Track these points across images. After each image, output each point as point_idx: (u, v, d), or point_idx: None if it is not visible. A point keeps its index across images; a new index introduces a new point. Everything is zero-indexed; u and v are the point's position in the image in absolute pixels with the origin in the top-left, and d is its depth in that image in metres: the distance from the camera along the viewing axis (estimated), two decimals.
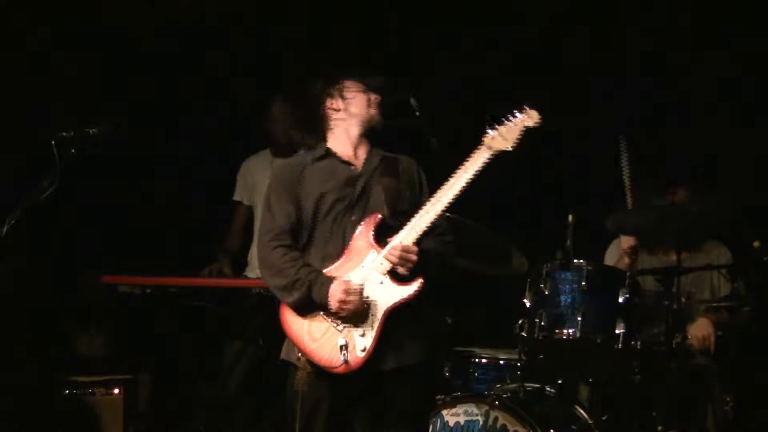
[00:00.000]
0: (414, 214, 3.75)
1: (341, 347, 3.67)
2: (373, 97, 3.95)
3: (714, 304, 5.28)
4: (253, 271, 5.77)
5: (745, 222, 5.09)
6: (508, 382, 5.05)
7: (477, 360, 5.25)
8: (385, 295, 3.71)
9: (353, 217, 3.81)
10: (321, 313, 3.75)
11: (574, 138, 6.04)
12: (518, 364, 5.01)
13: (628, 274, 4.87)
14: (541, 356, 4.95)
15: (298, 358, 3.76)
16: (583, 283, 4.77)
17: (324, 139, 3.97)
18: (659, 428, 4.74)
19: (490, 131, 3.72)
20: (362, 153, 3.94)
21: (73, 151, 3.85)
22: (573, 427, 4.74)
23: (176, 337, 5.85)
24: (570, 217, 4.85)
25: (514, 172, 5.79)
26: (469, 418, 4.64)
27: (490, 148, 3.71)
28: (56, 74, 5.94)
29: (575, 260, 4.80)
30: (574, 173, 6.11)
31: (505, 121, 3.74)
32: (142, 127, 6.00)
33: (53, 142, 3.83)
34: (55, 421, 4.98)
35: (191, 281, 5.64)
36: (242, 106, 6.22)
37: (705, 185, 5.44)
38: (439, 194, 3.72)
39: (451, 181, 3.71)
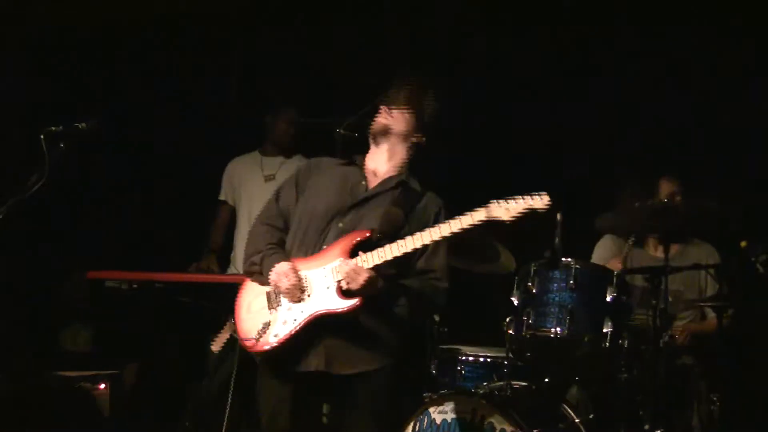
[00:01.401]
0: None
1: (263, 324, 3.80)
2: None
3: (700, 304, 5.32)
4: (237, 269, 5.79)
5: (733, 221, 5.10)
6: (495, 380, 5.05)
7: (464, 358, 5.25)
8: (321, 300, 3.76)
9: (340, 224, 3.85)
10: (266, 291, 3.86)
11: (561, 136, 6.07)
12: (505, 362, 5.00)
13: (616, 273, 4.88)
14: (529, 354, 4.94)
15: (232, 323, 3.99)
16: (571, 282, 4.78)
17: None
18: (646, 427, 4.75)
19: (499, 200, 3.66)
20: (385, 174, 3.97)
21: (62, 145, 3.81)
22: (560, 425, 4.74)
23: (163, 332, 5.84)
24: (559, 216, 4.85)
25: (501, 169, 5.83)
26: (456, 416, 4.63)
27: (488, 212, 3.66)
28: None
29: (564, 259, 4.80)
30: (564, 171, 6.12)
31: (517, 197, 3.67)
32: (136, 122, 6.00)
33: (42, 137, 3.79)
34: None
35: (178, 277, 5.61)
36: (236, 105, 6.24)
37: (691, 181, 5.45)
38: (420, 234, 3.69)
39: (439, 227, 3.68)
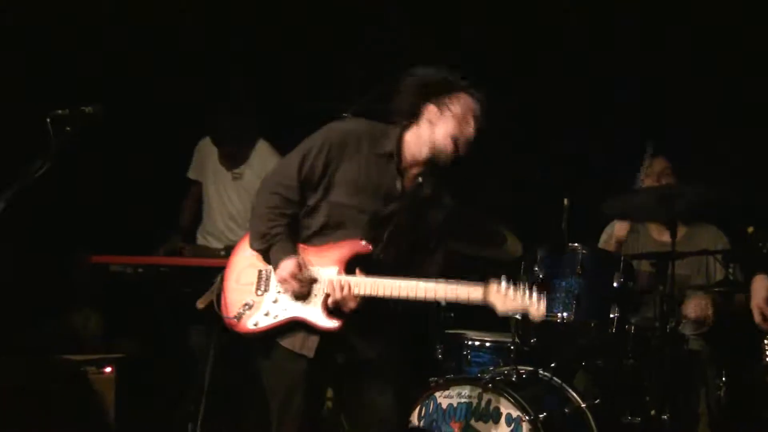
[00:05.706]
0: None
1: (245, 305, 3.78)
2: (465, 127, 3.75)
3: (708, 289, 5.29)
4: (206, 242, 5.85)
5: (740, 207, 5.08)
6: (501, 365, 5.06)
7: (470, 342, 5.26)
8: (306, 306, 3.73)
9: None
10: (261, 268, 3.82)
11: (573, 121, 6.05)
12: (511, 347, 5.01)
13: (623, 258, 4.87)
14: (535, 339, 4.95)
15: (221, 278, 3.90)
16: (578, 267, 4.78)
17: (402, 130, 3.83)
18: (652, 412, 4.74)
19: (502, 283, 3.58)
20: (415, 172, 3.82)
21: (68, 129, 3.78)
22: (565, 410, 4.75)
23: (168, 316, 5.83)
24: (566, 201, 4.84)
25: (510, 154, 5.81)
26: (461, 401, 4.64)
27: (485, 295, 3.59)
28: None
29: (570, 244, 4.80)
30: (570, 156, 6.11)
31: (519, 288, 3.58)
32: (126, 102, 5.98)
33: (48, 120, 3.76)
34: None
35: (183, 261, 5.59)
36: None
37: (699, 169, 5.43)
38: (416, 285, 3.62)
39: (436, 288, 3.61)
